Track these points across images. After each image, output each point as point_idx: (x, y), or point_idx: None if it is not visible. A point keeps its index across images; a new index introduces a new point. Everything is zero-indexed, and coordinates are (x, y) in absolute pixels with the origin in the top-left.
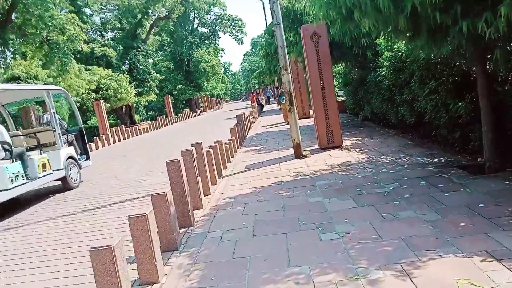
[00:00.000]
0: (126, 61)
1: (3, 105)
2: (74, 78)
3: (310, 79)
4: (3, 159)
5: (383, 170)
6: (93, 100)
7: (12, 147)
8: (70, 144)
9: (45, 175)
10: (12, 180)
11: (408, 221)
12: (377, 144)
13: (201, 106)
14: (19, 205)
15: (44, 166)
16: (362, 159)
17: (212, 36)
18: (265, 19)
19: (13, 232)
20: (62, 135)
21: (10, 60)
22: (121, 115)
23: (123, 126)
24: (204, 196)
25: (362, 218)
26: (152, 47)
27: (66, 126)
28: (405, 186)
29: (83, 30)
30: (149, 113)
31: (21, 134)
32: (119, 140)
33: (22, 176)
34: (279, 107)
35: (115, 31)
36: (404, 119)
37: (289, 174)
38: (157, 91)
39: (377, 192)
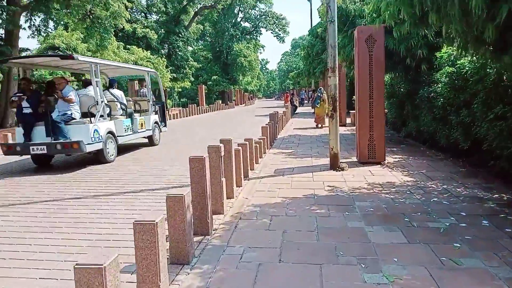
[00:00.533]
0: (166, 45)
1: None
2: (112, 54)
3: (358, 85)
4: (121, 115)
5: (435, 199)
6: (128, 79)
7: (126, 108)
8: (156, 113)
9: (141, 132)
10: (125, 130)
11: (475, 274)
12: (424, 166)
13: (233, 100)
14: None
15: (141, 125)
16: (407, 181)
17: (254, 32)
18: (311, 21)
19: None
20: (150, 106)
21: (52, 30)
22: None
23: None
24: (227, 199)
25: (415, 259)
26: (194, 35)
27: (154, 99)
28: (464, 224)
29: (128, 9)
30: (181, 99)
31: (131, 100)
32: None
33: (130, 129)
34: (313, 110)
35: (160, 15)
36: (457, 143)
37: (323, 187)
38: (192, 79)
39: (430, 226)
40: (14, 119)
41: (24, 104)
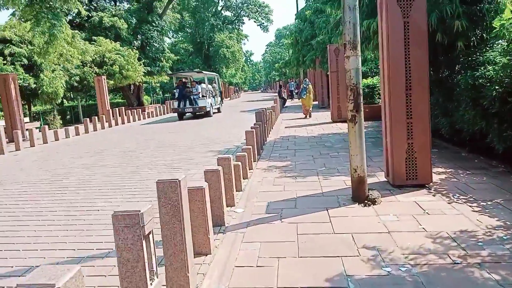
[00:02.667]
0: (140, 36)
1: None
2: (65, 45)
3: (385, 70)
4: (212, 96)
5: None
6: (95, 75)
7: (211, 93)
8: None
9: (214, 107)
10: (214, 103)
11: None
12: (492, 189)
13: None
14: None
15: (217, 102)
16: (493, 227)
17: (236, 21)
18: (297, 4)
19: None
20: (218, 93)
21: None
22: (127, 95)
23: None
24: None
25: None
26: (170, 25)
27: (219, 88)
28: None
29: None
30: (165, 95)
31: (211, 89)
32: (117, 124)
33: (215, 103)
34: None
35: (131, 2)
36: None
37: (357, 253)
38: (170, 72)
39: None
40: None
41: (178, 91)
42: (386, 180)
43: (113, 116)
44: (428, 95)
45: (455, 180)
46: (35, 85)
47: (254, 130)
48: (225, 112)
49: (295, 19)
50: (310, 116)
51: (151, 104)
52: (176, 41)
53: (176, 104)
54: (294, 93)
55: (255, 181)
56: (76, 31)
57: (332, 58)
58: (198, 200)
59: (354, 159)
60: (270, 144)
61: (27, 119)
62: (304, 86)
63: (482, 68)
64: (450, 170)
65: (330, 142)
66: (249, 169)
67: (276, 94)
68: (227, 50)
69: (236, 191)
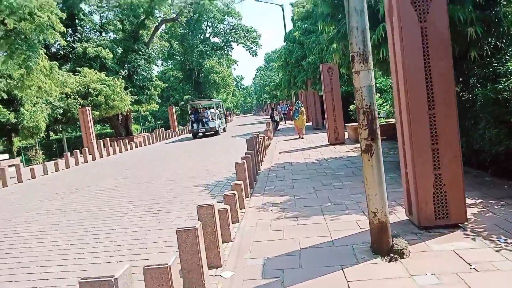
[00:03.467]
0: (126, 65)
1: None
2: (43, 78)
3: (403, 85)
4: (219, 118)
5: None
6: (79, 106)
7: (219, 116)
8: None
9: (221, 127)
10: (218, 125)
11: None
12: None
13: None
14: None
15: (221, 125)
16: None
17: (225, 47)
18: (285, 27)
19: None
20: (223, 116)
21: None
22: (115, 125)
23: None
24: None
25: None
26: (158, 53)
27: (223, 112)
28: None
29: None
30: (158, 122)
31: (218, 113)
32: (102, 156)
33: (219, 125)
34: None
35: (116, 33)
36: None
37: None
38: (159, 100)
39: None
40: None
41: (193, 116)
42: (408, 219)
43: (97, 149)
44: (457, 115)
45: (491, 214)
46: (15, 120)
47: (245, 161)
48: (217, 138)
49: (284, 41)
50: (302, 137)
51: (141, 133)
52: (166, 69)
53: (190, 126)
54: (283, 116)
55: (248, 225)
56: (54, 62)
57: (325, 78)
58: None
59: (372, 200)
60: (265, 174)
61: (5, 156)
62: (296, 108)
63: (504, 79)
64: (480, 201)
65: (330, 168)
66: (240, 209)
67: (269, 117)
68: (217, 76)
69: (223, 242)
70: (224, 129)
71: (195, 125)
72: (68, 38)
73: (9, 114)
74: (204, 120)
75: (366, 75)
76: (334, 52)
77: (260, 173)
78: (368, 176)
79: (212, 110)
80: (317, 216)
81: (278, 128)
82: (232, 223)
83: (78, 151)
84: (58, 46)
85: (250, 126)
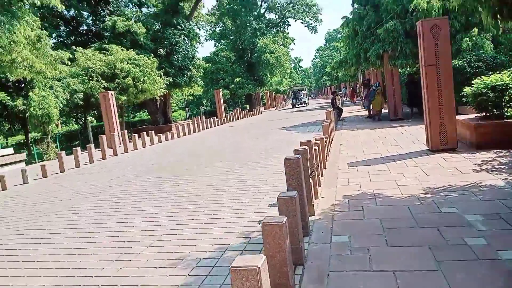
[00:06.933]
0: (165, 42)
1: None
2: (25, 52)
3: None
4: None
5: None
6: (103, 90)
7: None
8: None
9: (307, 102)
10: (306, 101)
11: None
12: None
13: (264, 103)
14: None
15: (307, 101)
16: None
17: (281, 23)
18: None
19: None
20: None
21: None
22: (152, 111)
23: (145, 127)
24: None
25: None
26: (200, 28)
27: (306, 93)
28: None
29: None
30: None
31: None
32: (126, 151)
33: (306, 101)
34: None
35: (156, 5)
36: None
37: None
38: (201, 83)
39: None
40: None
41: (293, 95)
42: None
43: (120, 141)
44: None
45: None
46: (24, 106)
47: (281, 222)
48: (261, 128)
49: (352, 4)
50: (379, 119)
51: (186, 119)
52: (218, 50)
53: (291, 101)
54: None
55: None
56: (44, 31)
57: (427, 43)
58: None
59: None
60: (322, 236)
61: (9, 150)
62: (373, 88)
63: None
64: None
65: (470, 225)
66: None
67: (329, 102)
68: (271, 55)
69: None
70: (305, 103)
71: (294, 100)
72: (102, 13)
73: (11, 99)
74: (299, 97)
75: None
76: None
77: (312, 231)
78: None
79: (303, 91)
80: None
81: (342, 117)
82: None
83: (92, 145)
84: (91, 22)
85: (305, 113)
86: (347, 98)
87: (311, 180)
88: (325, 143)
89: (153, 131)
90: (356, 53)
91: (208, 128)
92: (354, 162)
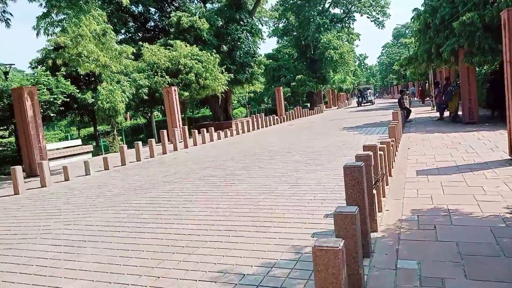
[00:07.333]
0: (229, 38)
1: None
2: (91, 46)
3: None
4: (371, 96)
5: None
6: (167, 85)
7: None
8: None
9: (373, 101)
10: (372, 100)
11: None
12: None
13: (325, 102)
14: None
15: (373, 99)
16: None
17: (346, 18)
18: None
19: None
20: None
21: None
22: (214, 108)
23: (206, 123)
24: None
25: None
26: (263, 24)
27: (372, 91)
28: None
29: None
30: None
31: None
32: (186, 146)
33: (372, 100)
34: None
35: (219, 1)
36: None
37: None
38: (262, 80)
39: None
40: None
41: (359, 93)
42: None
43: (180, 136)
44: None
45: None
46: (93, 99)
47: (337, 248)
48: (321, 128)
49: None
50: (456, 117)
51: (246, 116)
52: (281, 46)
53: (357, 98)
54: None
55: None
56: (109, 25)
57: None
58: None
59: None
60: (386, 250)
61: (77, 142)
62: (451, 88)
63: None
64: None
65: None
66: None
67: (396, 101)
68: (335, 52)
69: None
70: (371, 101)
71: (360, 99)
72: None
73: (81, 92)
74: (365, 96)
75: None
76: None
77: (374, 252)
78: None
79: (370, 90)
80: None
81: (410, 118)
82: None
83: (153, 140)
84: (157, 18)
85: (369, 113)
86: (416, 98)
87: (374, 191)
88: (391, 147)
89: (213, 128)
90: (427, 49)
91: (267, 126)
92: (424, 170)
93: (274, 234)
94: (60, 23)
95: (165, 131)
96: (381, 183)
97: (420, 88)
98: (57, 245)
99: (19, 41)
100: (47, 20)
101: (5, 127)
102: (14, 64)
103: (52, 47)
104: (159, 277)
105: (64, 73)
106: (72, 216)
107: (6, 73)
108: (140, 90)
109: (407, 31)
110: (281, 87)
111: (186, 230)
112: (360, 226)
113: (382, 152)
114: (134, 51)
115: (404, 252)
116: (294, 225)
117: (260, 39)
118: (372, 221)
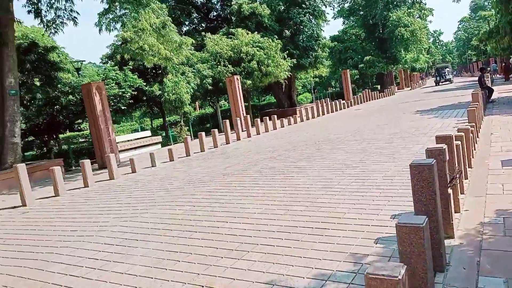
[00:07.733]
0: (288, 22)
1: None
2: (153, 39)
3: None
4: (450, 74)
5: None
6: (230, 74)
7: (450, 72)
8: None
9: (451, 79)
10: (450, 78)
11: None
12: None
13: (397, 83)
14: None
15: (451, 78)
16: None
17: None
18: None
19: None
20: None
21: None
22: (277, 95)
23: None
24: None
25: None
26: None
27: (450, 70)
28: None
29: None
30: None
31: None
32: (250, 136)
33: (451, 78)
34: None
35: None
36: None
37: None
38: (327, 63)
39: None
40: None
41: (437, 72)
42: None
43: (241, 125)
44: None
45: None
46: (160, 91)
47: (395, 278)
48: (392, 112)
49: None
50: None
51: (311, 102)
52: (347, 27)
53: (435, 78)
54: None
55: None
56: (168, 18)
57: None
58: None
59: None
60: (464, 263)
61: (147, 133)
62: None
63: None
64: None
65: None
66: None
67: (476, 81)
68: (406, 29)
69: None
70: (450, 80)
71: (438, 78)
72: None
73: (148, 85)
74: (443, 74)
75: None
76: None
77: (449, 265)
78: None
79: (447, 69)
80: None
81: (492, 98)
82: None
83: (216, 130)
84: (219, 8)
85: (446, 93)
86: (498, 75)
87: (450, 191)
88: (470, 135)
89: (276, 115)
90: (510, 20)
91: (333, 112)
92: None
93: (332, 238)
94: (120, 18)
95: (227, 121)
96: (458, 180)
97: (504, 64)
98: (110, 244)
99: (90, 37)
100: (108, 16)
101: (81, 120)
102: (84, 61)
103: (120, 42)
104: (202, 287)
105: (131, 67)
106: (130, 211)
107: (78, 69)
108: (204, 81)
109: (486, 3)
110: (348, 70)
111: (238, 230)
112: (431, 235)
113: (459, 142)
114: (194, 42)
115: (486, 266)
116: (355, 227)
117: (323, 21)
118: (448, 226)
